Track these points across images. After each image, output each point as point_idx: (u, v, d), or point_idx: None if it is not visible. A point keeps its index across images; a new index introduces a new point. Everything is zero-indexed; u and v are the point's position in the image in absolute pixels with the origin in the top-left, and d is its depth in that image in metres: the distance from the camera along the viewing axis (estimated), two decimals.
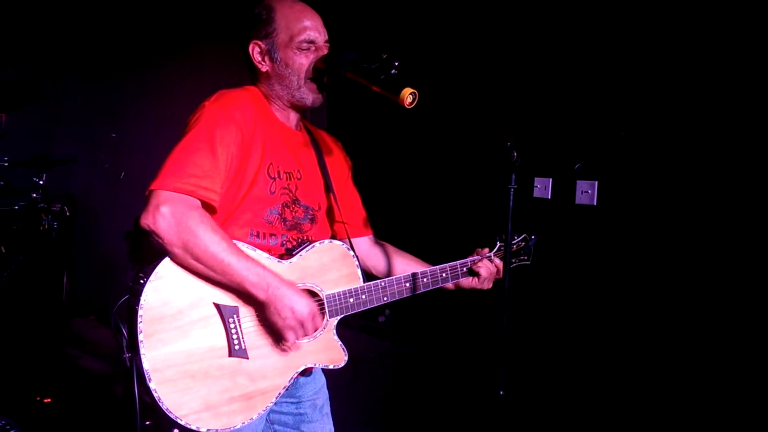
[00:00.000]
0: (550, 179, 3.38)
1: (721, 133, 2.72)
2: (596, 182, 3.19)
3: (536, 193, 3.45)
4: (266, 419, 1.92)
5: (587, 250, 3.21)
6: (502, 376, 1.40)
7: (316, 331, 1.73)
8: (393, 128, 4.28)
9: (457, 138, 3.82)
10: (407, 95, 1.60)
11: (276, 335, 1.70)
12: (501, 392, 1.41)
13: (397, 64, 1.58)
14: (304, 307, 1.65)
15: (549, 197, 3.40)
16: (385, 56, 1.60)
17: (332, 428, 2.03)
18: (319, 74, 1.79)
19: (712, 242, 2.76)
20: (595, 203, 3.20)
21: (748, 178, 2.64)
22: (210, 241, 1.57)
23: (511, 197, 1.41)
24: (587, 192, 3.23)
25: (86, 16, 5.02)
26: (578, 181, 3.25)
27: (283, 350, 1.73)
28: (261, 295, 1.63)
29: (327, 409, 2.04)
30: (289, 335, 1.67)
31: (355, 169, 2.14)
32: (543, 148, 1.38)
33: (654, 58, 2.94)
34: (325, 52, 1.79)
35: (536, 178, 3.44)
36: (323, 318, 1.79)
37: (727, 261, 2.71)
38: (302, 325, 1.66)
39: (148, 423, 1.76)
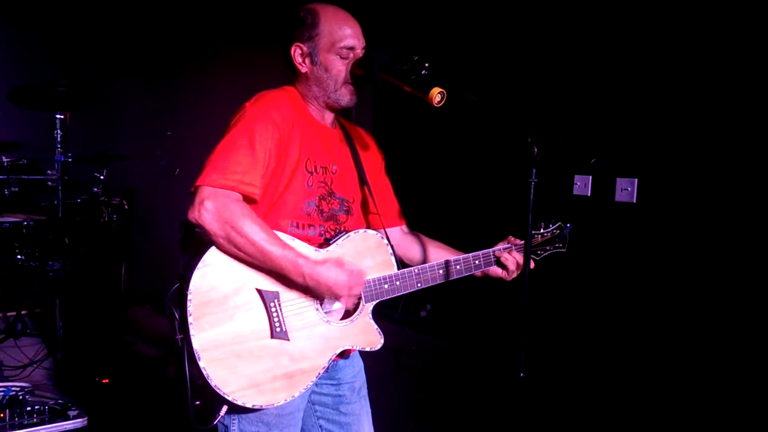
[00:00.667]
0: (590, 177, 3.39)
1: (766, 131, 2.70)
2: (636, 180, 3.18)
3: (576, 191, 3.46)
4: (308, 400, 2.01)
5: (625, 248, 3.22)
6: (522, 360, 1.47)
7: (362, 288, 1.84)
8: (429, 126, 4.38)
9: (484, 134, 3.88)
10: (436, 94, 1.68)
11: (314, 319, 1.81)
12: (522, 375, 1.47)
13: (427, 65, 1.67)
14: (341, 283, 1.76)
15: (589, 194, 3.41)
16: (416, 58, 1.69)
17: (369, 410, 2.11)
18: (355, 79, 1.89)
19: (755, 243, 2.73)
20: (634, 201, 3.20)
21: None
22: (250, 230, 1.67)
23: (532, 191, 1.48)
24: (627, 189, 3.23)
25: (143, 20, 5.25)
26: (618, 179, 3.25)
27: (324, 332, 1.83)
28: (299, 280, 1.73)
29: (364, 391, 2.12)
30: (343, 303, 1.84)
31: (395, 164, 2.22)
32: (561, 145, 1.45)
33: (693, 54, 2.93)
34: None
35: (576, 176, 3.45)
36: (359, 304, 1.88)
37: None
38: (347, 296, 1.80)
39: (197, 403, 1.87)
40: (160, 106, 5.39)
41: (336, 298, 1.79)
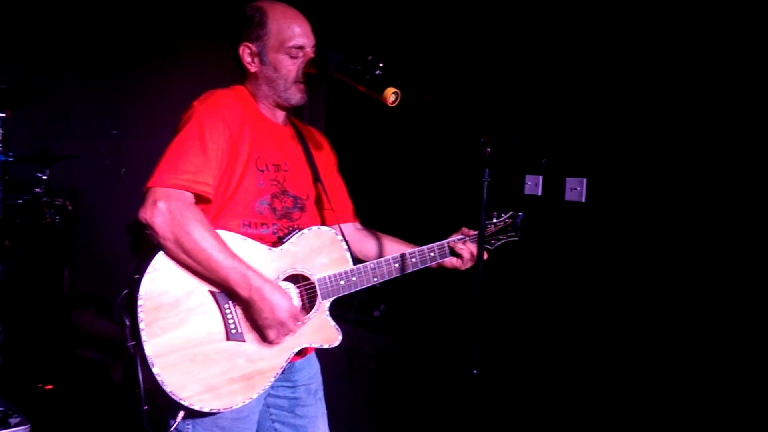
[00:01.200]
0: (541, 177, 3.45)
1: (712, 131, 2.76)
2: (585, 179, 3.25)
3: (527, 190, 3.51)
4: (264, 403, 1.98)
5: (575, 245, 3.28)
6: (475, 356, 1.48)
7: (299, 328, 1.79)
8: (383, 126, 4.38)
9: (438, 133, 3.91)
10: (390, 94, 1.68)
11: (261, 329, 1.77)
12: (475, 371, 1.49)
13: (381, 65, 1.68)
14: (284, 307, 1.71)
15: (539, 194, 3.47)
16: (370, 58, 1.70)
17: (325, 411, 2.11)
18: (306, 78, 1.88)
19: (698, 240, 2.82)
20: (584, 200, 3.26)
21: (740, 175, 2.66)
22: (200, 237, 1.64)
23: (485, 191, 1.50)
24: (576, 189, 3.29)
25: (88, 16, 5.10)
26: (567, 179, 3.32)
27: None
28: (244, 293, 1.69)
29: (321, 393, 2.11)
30: (270, 333, 1.74)
31: (349, 163, 2.21)
32: (513, 145, 1.47)
33: (640, 57, 3.01)
34: (312, 56, 1.87)
35: (527, 176, 3.50)
36: (316, 302, 1.86)
37: (714, 259, 2.76)
38: (282, 324, 1.73)
39: (146, 408, 1.83)
40: (105, 104, 5.25)
41: (271, 324, 1.73)
